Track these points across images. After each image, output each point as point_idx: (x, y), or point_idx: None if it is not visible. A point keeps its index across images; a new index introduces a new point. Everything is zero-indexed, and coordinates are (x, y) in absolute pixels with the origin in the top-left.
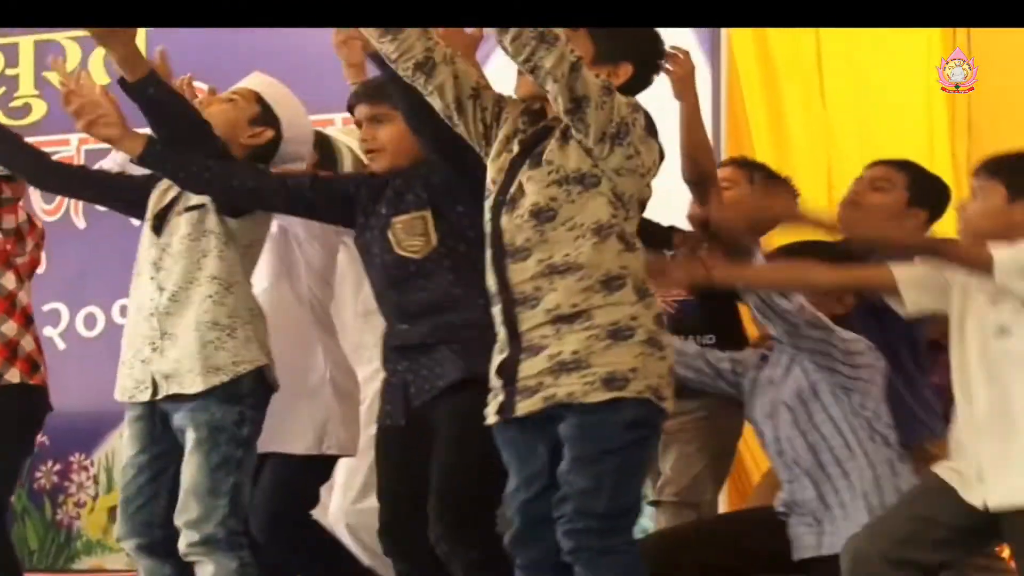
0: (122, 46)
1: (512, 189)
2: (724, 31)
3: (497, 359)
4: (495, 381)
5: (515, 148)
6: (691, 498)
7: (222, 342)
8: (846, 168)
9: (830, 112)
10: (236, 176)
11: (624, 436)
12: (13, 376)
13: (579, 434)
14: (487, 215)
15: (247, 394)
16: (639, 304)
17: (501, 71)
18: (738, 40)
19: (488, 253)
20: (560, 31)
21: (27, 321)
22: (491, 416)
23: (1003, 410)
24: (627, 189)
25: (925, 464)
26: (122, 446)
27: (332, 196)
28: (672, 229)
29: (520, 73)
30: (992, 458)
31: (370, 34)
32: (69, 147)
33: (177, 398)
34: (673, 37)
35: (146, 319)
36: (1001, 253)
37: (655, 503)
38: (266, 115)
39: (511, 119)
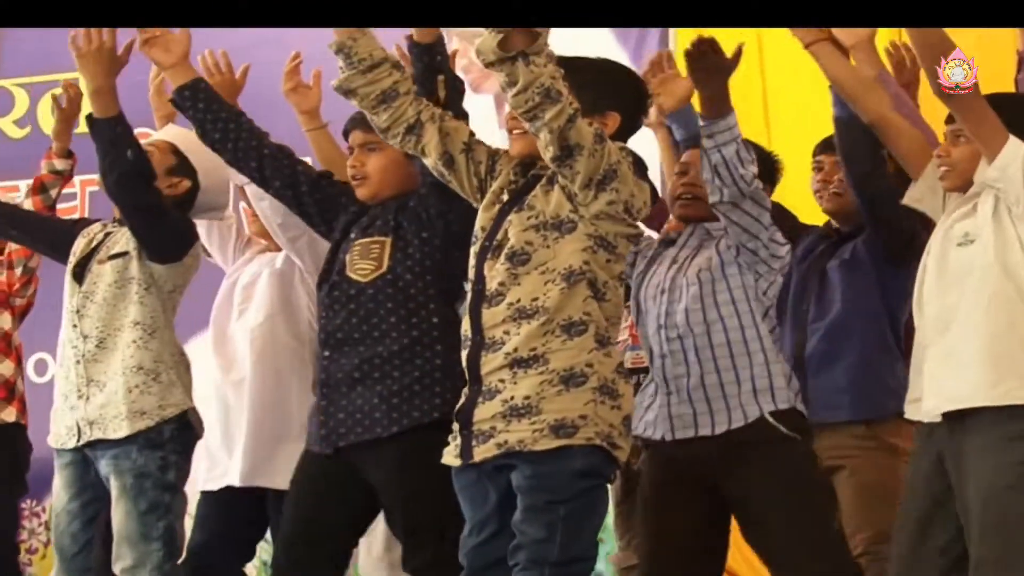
0: (101, 78)
1: (498, 236)
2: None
3: (459, 403)
4: (455, 424)
5: (505, 197)
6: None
7: (147, 386)
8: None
9: (771, 111)
10: (260, 140)
11: (574, 485)
12: (9, 415)
13: (530, 484)
14: (472, 261)
15: (169, 439)
16: (598, 352)
17: None
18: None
19: (469, 299)
20: (563, 86)
21: (19, 362)
22: (451, 459)
23: (949, 318)
24: (609, 231)
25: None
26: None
27: (328, 198)
28: None
29: (513, 133)
30: (932, 367)
31: (364, 107)
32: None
33: (102, 443)
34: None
35: (72, 367)
36: (1018, 143)
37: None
38: (183, 166)
39: (504, 172)
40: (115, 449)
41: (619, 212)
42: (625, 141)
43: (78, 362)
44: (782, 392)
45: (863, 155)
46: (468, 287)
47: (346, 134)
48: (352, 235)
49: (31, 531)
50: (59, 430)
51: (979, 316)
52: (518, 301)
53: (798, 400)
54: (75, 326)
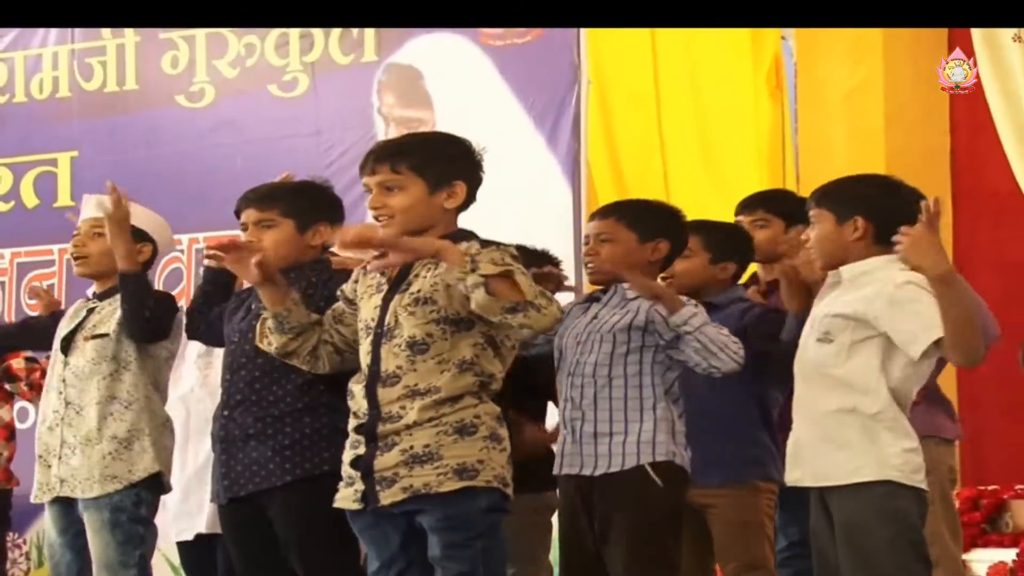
0: (128, 239)
1: (387, 321)
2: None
3: (351, 454)
4: (350, 471)
5: (384, 286)
6: None
7: (119, 454)
8: (680, 173)
9: (668, 157)
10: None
11: (484, 521)
12: None
13: (444, 524)
14: (366, 348)
15: (141, 482)
16: (481, 405)
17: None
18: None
19: (364, 377)
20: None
21: (10, 435)
22: (350, 503)
23: None
24: (500, 334)
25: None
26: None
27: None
28: (545, 254)
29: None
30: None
31: (299, 361)
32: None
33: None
34: None
35: (49, 430)
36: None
37: None
38: (140, 233)
39: (362, 277)
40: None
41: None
42: (467, 207)
43: (57, 425)
44: (662, 446)
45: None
46: (363, 368)
47: (237, 213)
48: (253, 307)
49: (13, 560)
50: (37, 487)
51: None
52: (415, 384)
53: (680, 453)
54: (60, 393)
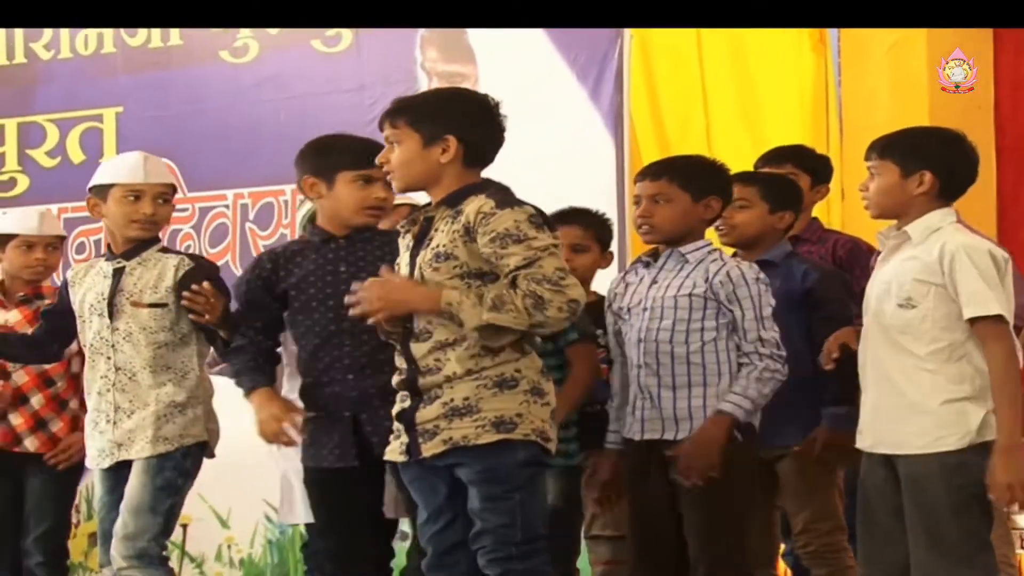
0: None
1: (415, 277)
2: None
3: (397, 407)
4: (396, 424)
5: (410, 242)
6: (623, 530)
7: (172, 417)
8: (722, 127)
9: (711, 111)
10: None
11: (521, 474)
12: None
13: (482, 477)
14: None
15: (192, 446)
16: (522, 359)
17: None
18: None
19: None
20: (543, 291)
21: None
22: (397, 456)
23: None
24: None
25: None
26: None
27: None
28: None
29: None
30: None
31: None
32: None
33: None
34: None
35: (100, 395)
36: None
37: (592, 537)
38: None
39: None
40: None
41: None
42: (482, 161)
43: (108, 390)
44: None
45: None
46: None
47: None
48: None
49: None
50: (92, 453)
51: None
52: (445, 339)
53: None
54: (109, 358)
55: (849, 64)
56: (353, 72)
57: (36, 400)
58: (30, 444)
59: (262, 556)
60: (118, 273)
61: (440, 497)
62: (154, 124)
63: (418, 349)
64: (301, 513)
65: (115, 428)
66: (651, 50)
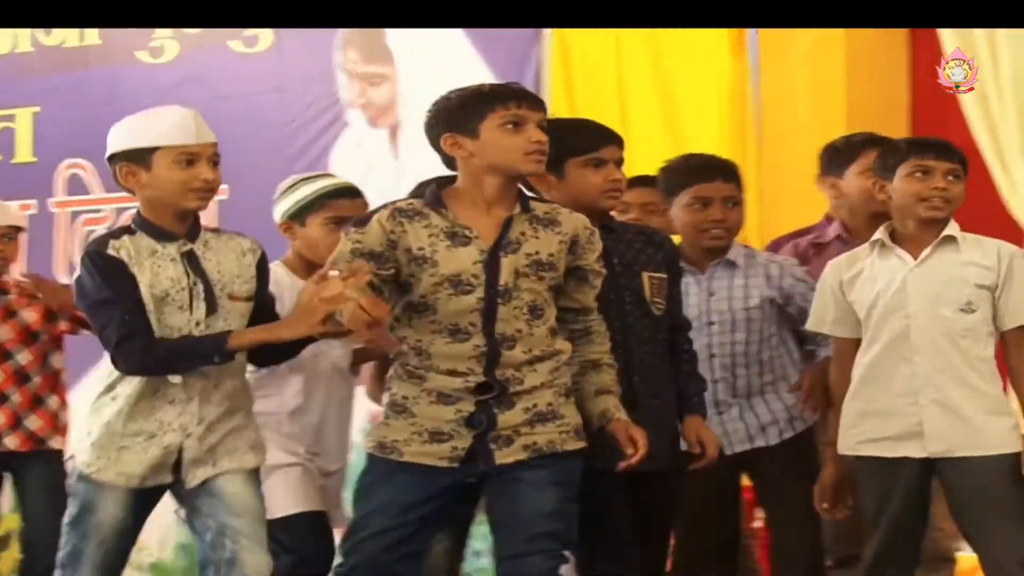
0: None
1: (501, 281)
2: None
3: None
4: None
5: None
6: None
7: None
8: (641, 129)
9: (629, 112)
10: None
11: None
12: (57, 443)
13: (557, 479)
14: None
15: None
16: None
17: None
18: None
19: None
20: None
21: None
22: (436, 460)
23: None
24: None
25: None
26: None
27: None
28: None
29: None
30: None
31: None
32: None
33: None
34: None
35: (177, 403)
36: None
37: None
38: None
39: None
40: None
41: None
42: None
43: (192, 400)
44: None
45: None
46: None
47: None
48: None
49: None
50: (137, 470)
51: None
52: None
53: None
54: None
55: (768, 65)
56: (273, 73)
57: (15, 398)
58: (10, 443)
59: (173, 560)
60: (189, 257)
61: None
62: (71, 124)
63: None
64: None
65: (201, 442)
66: (570, 51)
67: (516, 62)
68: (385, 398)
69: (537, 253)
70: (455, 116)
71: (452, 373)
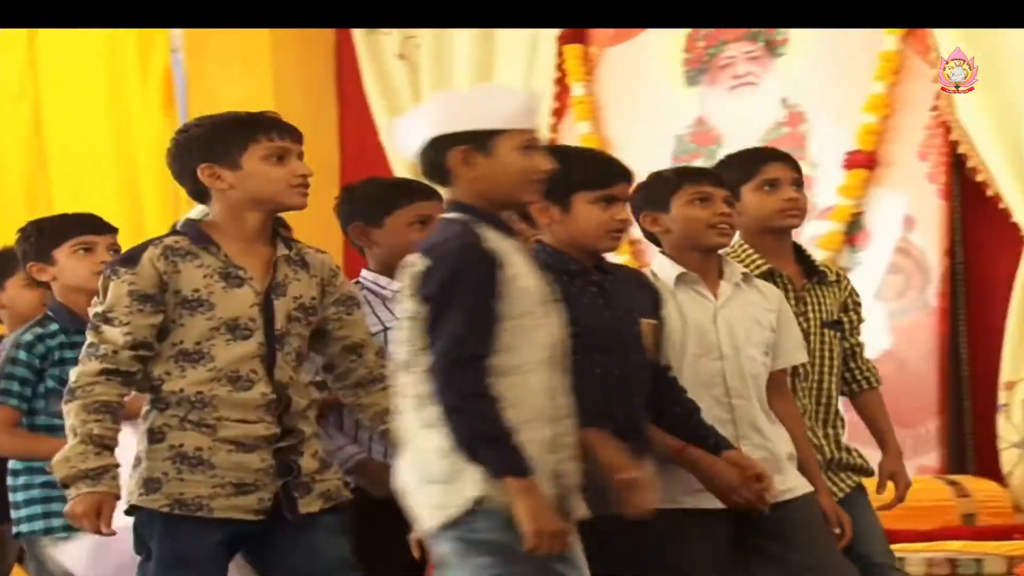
0: None
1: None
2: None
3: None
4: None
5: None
6: None
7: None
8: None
9: (48, 130)
10: None
11: None
12: None
13: (344, 528)
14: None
15: None
16: None
17: None
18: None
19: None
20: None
21: None
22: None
23: None
24: None
25: None
26: None
27: None
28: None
29: None
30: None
31: None
32: None
33: None
34: None
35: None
36: None
37: None
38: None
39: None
40: None
41: None
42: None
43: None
44: None
45: None
46: None
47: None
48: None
49: None
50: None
51: None
52: None
53: None
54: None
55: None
56: None
57: None
58: None
59: None
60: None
61: None
62: None
63: None
64: None
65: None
66: None
67: None
68: (163, 452)
69: (301, 296)
70: (212, 146)
71: (244, 422)
